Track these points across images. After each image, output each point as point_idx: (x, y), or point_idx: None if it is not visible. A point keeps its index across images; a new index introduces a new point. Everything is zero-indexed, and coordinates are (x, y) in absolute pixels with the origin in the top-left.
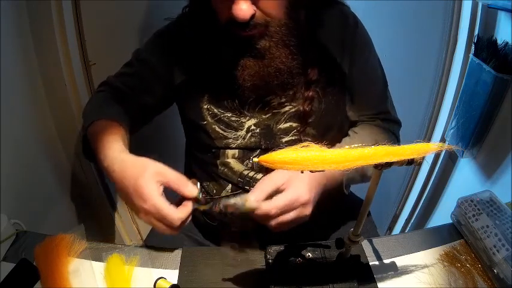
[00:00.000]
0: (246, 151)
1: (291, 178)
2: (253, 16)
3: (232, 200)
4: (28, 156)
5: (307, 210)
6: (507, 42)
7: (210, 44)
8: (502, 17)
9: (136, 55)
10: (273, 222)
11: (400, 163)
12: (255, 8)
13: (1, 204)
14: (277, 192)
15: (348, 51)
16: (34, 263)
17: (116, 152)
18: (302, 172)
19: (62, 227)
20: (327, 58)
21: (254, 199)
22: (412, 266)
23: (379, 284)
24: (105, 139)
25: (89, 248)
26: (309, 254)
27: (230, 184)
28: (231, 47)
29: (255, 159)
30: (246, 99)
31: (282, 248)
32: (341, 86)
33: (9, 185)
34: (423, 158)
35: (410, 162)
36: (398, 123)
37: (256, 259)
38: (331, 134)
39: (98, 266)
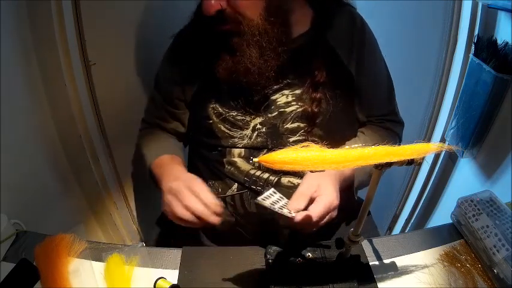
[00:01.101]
0: (253, 150)
1: (320, 184)
2: (221, 12)
3: (277, 208)
4: (28, 156)
5: (336, 213)
6: (507, 42)
7: (204, 42)
8: (502, 17)
9: (156, 86)
10: (310, 227)
11: (400, 163)
12: (226, 5)
13: (1, 204)
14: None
15: (355, 53)
16: (34, 263)
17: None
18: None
19: (62, 227)
20: (335, 60)
21: (295, 208)
22: (412, 266)
23: (379, 284)
24: (169, 168)
25: (89, 248)
26: (309, 254)
27: (236, 183)
28: (211, 41)
29: (255, 159)
30: (251, 96)
31: (282, 248)
32: (349, 88)
33: (9, 185)
34: (423, 158)
35: (410, 162)
36: (402, 124)
37: (256, 259)
38: (339, 135)
39: (98, 266)
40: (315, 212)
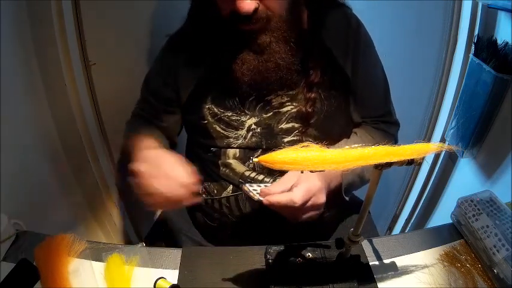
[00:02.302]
0: (247, 151)
1: (302, 175)
2: (256, 10)
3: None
4: (28, 156)
5: (322, 197)
6: (507, 42)
7: (212, 41)
8: (502, 17)
9: (147, 86)
10: (296, 213)
11: (400, 163)
12: (258, 2)
13: (1, 204)
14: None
15: (351, 54)
16: (34, 263)
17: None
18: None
19: (62, 227)
20: (330, 60)
21: (270, 191)
22: (412, 266)
23: (379, 284)
24: (138, 145)
25: (89, 248)
26: (309, 254)
27: (231, 185)
28: (232, 41)
29: (255, 159)
30: (246, 96)
31: (282, 248)
32: (344, 89)
33: (9, 185)
34: (423, 158)
35: (410, 162)
36: (397, 125)
37: (256, 259)
38: (334, 135)
39: (98, 266)
40: (296, 193)
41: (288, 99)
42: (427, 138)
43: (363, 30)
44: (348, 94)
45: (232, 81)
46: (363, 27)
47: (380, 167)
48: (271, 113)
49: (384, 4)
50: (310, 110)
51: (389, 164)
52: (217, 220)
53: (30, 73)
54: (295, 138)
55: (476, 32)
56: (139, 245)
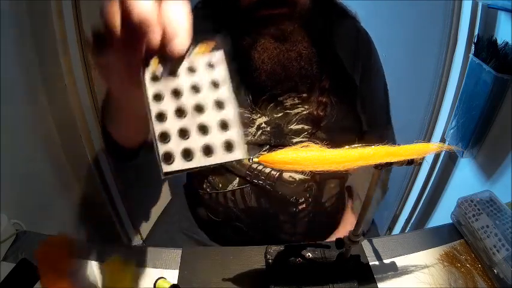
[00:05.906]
0: (255, 146)
1: None
2: None
3: None
4: (28, 156)
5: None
6: (507, 42)
7: (228, 32)
8: (502, 17)
9: None
10: None
11: (400, 163)
12: None
13: (1, 204)
14: None
15: (360, 65)
16: (34, 263)
17: None
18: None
19: (62, 227)
20: (341, 68)
21: None
22: (412, 266)
23: (379, 284)
24: None
25: (89, 248)
26: (309, 254)
27: (237, 178)
28: (253, 29)
29: (255, 159)
30: (259, 95)
31: (282, 248)
32: (352, 96)
33: (9, 185)
34: (423, 158)
35: (410, 162)
36: (392, 127)
37: (256, 259)
38: (341, 139)
39: (98, 266)
40: None
41: (300, 101)
42: (427, 138)
43: (372, 44)
44: (355, 101)
45: (251, 72)
46: (372, 42)
47: (380, 167)
48: (282, 113)
49: (384, 4)
50: (321, 113)
51: (389, 164)
52: (222, 214)
53: (30, 73)
54: (304, 139)
55: (476, 32)
56: (139, 245)
